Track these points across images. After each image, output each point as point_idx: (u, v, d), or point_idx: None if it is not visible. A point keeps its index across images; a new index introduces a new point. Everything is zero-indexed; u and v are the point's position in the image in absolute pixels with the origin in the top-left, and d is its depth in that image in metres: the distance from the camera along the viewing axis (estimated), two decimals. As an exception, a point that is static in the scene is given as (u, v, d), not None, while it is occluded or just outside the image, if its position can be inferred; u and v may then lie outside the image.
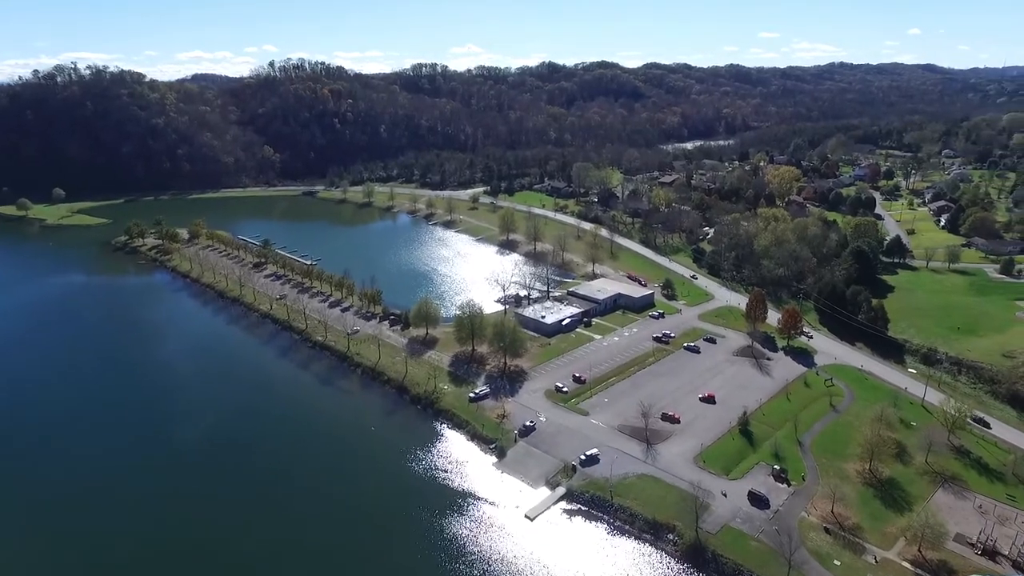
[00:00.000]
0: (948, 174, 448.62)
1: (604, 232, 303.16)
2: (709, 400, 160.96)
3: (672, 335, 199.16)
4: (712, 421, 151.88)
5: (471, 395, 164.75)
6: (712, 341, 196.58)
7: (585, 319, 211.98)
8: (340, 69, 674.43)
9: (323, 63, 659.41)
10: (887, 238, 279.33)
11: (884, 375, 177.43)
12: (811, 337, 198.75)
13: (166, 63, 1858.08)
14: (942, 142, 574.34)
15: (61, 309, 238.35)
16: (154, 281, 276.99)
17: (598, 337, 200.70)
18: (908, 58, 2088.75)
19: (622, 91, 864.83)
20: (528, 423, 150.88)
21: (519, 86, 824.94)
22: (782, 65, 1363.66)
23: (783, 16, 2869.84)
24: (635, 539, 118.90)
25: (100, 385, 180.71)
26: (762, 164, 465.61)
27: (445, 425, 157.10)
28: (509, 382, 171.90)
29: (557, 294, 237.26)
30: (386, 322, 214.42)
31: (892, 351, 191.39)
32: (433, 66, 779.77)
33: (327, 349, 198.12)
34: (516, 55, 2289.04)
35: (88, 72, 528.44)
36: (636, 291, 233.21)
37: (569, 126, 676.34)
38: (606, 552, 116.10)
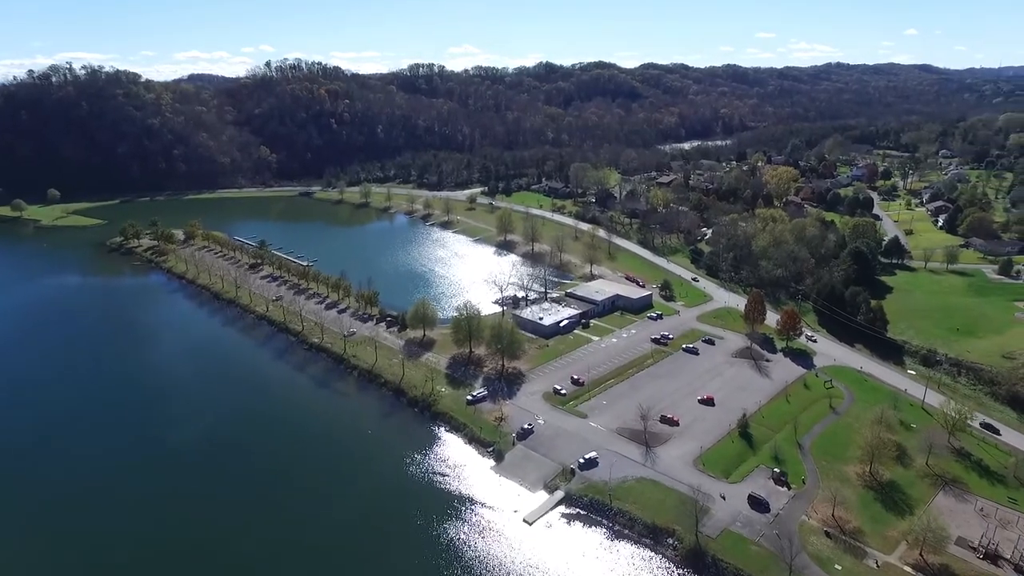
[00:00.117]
0: (945, 174, 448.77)
1: (602, 233, 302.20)
2: (708, 402, 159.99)
3: (670, 336, 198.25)
4: (711, 423, 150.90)
5: (469, 397, 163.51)
6: (711, 343, 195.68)
7: (583, 320, 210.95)
8: (337, 69, 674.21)
9: (320, 63, 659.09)
10: (885, 239, 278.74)
11: (883, 376, 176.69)
12: (815, 340, 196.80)
13: (163, 63, 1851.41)
14: (939, 142, 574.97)
15: (56, 310, 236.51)
16: (149, 282, 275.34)
17: (596, 339, 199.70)
18: (904, 58, 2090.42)
19: (619, 91, 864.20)
20: (526, 426, 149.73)
21: (516, 86, 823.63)
22: (779, 65, 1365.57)
23: (780, 16, 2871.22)
24: (634, 544, 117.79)
25: (97, 386, 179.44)
26: (760, 164, 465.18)
27: (442, 428, 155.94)
28: (507, 384, 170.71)
29: (555, 295, 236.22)
30: (383, 324, 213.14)
31: (891, 352, 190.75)
32: (430, 66, 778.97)
33: (323, 351, 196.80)
34: (513, 55, 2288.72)
35: (83, 72, 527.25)
36: (634, 292, 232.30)
37: (566, 126, 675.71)
38: (605, 557, 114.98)
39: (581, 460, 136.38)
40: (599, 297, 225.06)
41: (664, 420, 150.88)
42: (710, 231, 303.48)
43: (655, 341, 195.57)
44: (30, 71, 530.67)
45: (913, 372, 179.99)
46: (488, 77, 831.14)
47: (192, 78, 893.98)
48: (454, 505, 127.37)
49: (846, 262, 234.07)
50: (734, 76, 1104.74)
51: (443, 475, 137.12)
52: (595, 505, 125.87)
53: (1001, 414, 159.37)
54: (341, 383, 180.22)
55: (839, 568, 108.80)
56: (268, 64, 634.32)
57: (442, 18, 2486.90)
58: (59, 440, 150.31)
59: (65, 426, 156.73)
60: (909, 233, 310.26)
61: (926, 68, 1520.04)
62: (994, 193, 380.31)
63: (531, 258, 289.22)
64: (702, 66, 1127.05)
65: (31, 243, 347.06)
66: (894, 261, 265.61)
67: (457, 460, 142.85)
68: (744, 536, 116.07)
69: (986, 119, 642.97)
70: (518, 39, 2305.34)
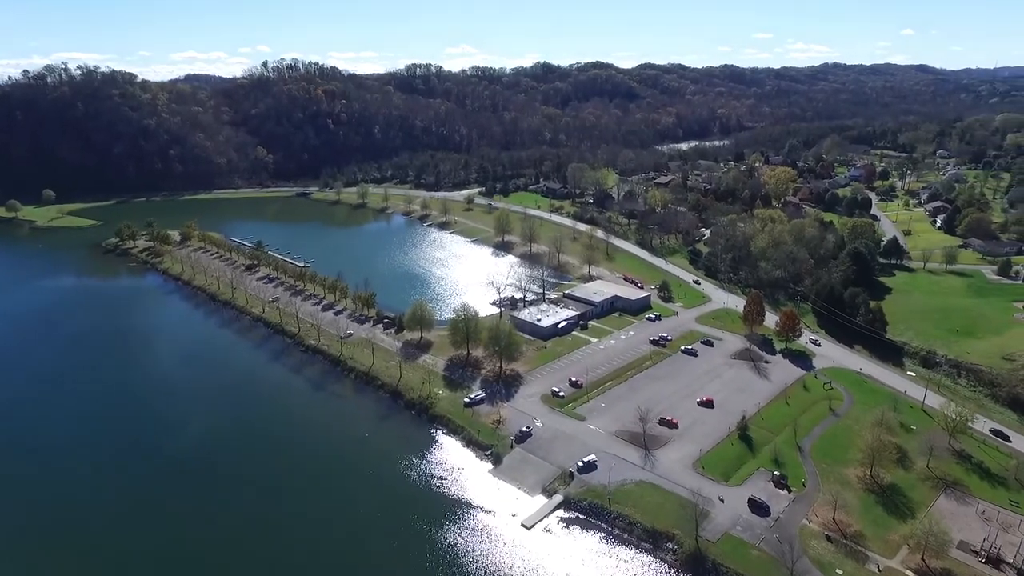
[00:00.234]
0: (943, 175, 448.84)
1: (600, 233, 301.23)
2: (707, 404, 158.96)
3: (669, 338, 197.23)
4: (711, 426, 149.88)
5: (466, 400, 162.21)
6: (709, 344, 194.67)
7: (581, 322, 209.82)
8: (334, 69, 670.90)
9: (317, 63, 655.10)
10: (884, 239, 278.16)
11: (883, 378, 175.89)
12: (819, 344, 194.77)
13: (160, 63, 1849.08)
14: (936, 142, 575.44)
15: (50, 312, 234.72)
16: (145, 284, 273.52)
17: (594, 340, 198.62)
18: (901, 59, 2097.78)
19: (617, 91, 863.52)
20: (524, 429, 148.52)
21: (514, 86, 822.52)
22: (776, 65, 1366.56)
23: (776, 17, 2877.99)
24: (634, 548, 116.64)
25: (94, 387, 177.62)
26: (758, 165, 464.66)
27: (440, 431, 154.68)
28: (505, 387, 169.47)
29: (553, 296, 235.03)
30: (380, 325, 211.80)
31: (891, 354, 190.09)
32: (427, 66, 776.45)
33: (320, 353, 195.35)
34: (511, 55, 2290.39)
35: (79, 72, 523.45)
36: (632, 293, 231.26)
37: (564, 127, 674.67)
38: (604, 562, 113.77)
39: (580, 463, 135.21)
40: (597, 298, 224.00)
41: (663, 423, 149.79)
42: (708, 232, 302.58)
43: (654, 343, 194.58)
44: (25, 71, 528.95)
45: (913, 373, 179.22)
46: (485, 77, 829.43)
47: (189, 78, 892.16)
48: (451, 509, 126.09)
49: (845, 263, 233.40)
50: (731, 76, 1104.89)
51: (440, 479, 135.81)
52: (594, 509, 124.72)
53: (1002, 416, 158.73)
54: (338, 385, 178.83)
55: (840, 573, 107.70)
56: (265, 64, 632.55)
57: (439, 18, 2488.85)
58: (52, 445, 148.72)
59: (61, 426, 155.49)
60: (907, 234, 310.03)
61: (922, 68, 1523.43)
62: (992, 193, 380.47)
63: (529, 259, 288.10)
64: (699, 66, 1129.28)
65: (26, 244, 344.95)
66: (893, 262, 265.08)
67: (455, 463, 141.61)
68: (745, 540, 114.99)
69: (983, 119, 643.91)
70: (515, 39, 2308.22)
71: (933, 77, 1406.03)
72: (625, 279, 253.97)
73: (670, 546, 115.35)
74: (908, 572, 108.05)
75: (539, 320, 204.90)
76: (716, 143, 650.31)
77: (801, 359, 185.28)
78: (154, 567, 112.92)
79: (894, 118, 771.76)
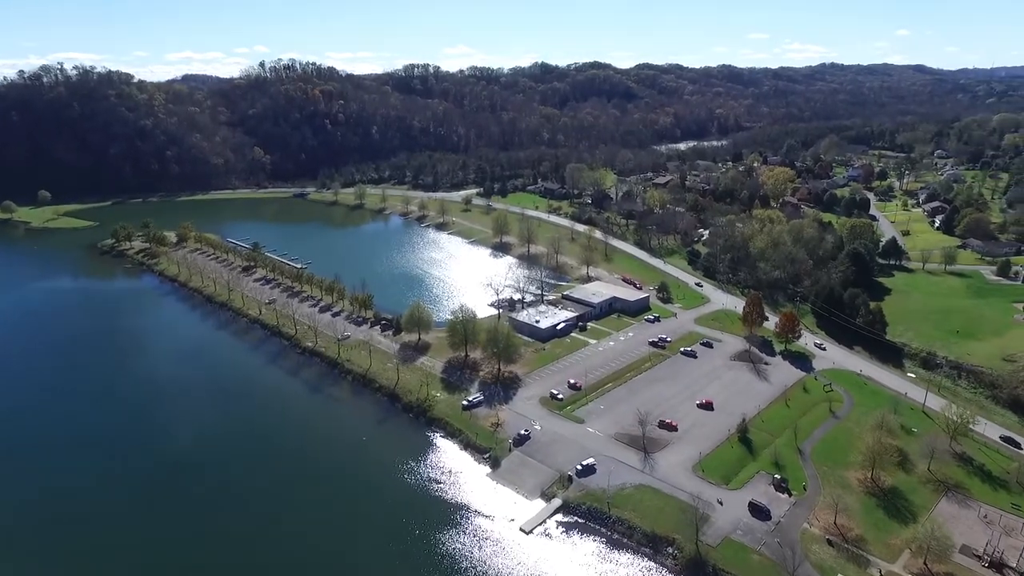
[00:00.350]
0: (941, 175, 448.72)
1: (598, 234, 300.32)
2: (707, 407, 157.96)
3: (668, 339, 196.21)
4: (710, 428, 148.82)
5: (464, 402, 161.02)
6: (709, 345, 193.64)
7: (580, 323, 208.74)
8: (331, 70, 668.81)
9: (314, 64, 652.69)
10: (883, 240, 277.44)
11: (883, 380, 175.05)
12: (824, 348, 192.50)
13: (156, 64, 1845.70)
14: (934, 143, 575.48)
15: (45, 314, 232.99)
16: (141, 285, 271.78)
17: (593, 342, 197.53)
18: (898, 59, 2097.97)
19: (615, 92, 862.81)
20: (523, 432, 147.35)
21: (512, 87, 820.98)
22: (773, 66, 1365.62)
23: (773, 17, 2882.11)
24: (633, 553, 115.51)
25: (89, 389, 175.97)
26: (756, 165, 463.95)
27: (438, 434, 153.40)
28: (503, 389, 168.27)
29: (551, 298, 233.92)
30: (377, 327, 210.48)
31: (891, 355, 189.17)
32: (425, 67, 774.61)
33: (317, 355, 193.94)
34: (508, 55, 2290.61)
35: (75, 73, 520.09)
36: (631, 294, 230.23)
37: (562, 127, 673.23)
38: (603, 567, 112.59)
39: (579, 467, 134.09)
40: (596, 299, 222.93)
41: (662, 425, 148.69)
42: (707, 232, 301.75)
43: (653, 344, 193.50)
44: (21, 71, 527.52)
45: (913, 375, 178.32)
46: (483, 77, 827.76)
47: (186, 79, 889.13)
48: (449, 513, 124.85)
49: (844, 263, 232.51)
50: (729, 76, 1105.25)
51: (438, 482, 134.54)
52: (593, 513, 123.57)
53: (1003, 418, 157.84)
54: (335, 388, 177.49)
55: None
56: (262, 64, 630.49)
57: (437, 18, 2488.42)
58: (56, 441, 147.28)
59: (56, 427, 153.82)
60: (906, 234, 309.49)
61: (920, 68, 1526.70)
62: (990, 193, 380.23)
63: (527, 260, 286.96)
64: (697, 66, 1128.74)
65: (21, 245, 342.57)
66: (892, 262, 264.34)
67: (452, 467, 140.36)
68: (745, 545, 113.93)
69: (980, 119, 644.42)
70: (513, 39, 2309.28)
71: (930, 77, 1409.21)
72: (624, 280, 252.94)
73: (670, 551, 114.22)
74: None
75: (537, 321, 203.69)
76: (714, 143, 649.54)
77: (801, 361, 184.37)
78: (152, 569, 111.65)
79: (892, 118, 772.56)
